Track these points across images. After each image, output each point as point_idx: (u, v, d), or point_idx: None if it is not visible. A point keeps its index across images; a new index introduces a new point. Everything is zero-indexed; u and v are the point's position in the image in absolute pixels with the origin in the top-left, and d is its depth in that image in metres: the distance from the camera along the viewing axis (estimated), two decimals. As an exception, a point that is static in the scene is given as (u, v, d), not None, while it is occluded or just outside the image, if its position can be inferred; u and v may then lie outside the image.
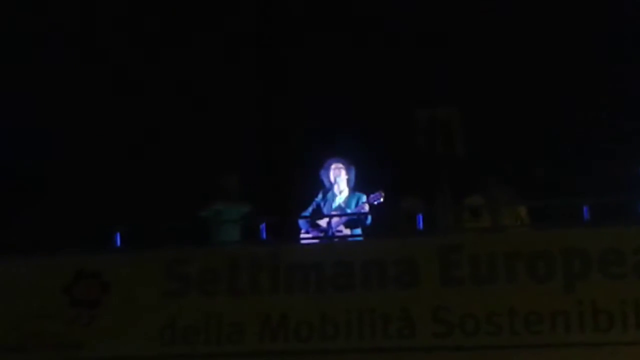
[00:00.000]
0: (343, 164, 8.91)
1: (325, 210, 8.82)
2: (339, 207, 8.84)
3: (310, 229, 8.80)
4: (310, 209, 8.90)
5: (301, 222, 8.83)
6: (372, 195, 8.66)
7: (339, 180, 8.85)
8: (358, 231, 8.70)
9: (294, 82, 11.67)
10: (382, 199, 8.60)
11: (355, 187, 8.91)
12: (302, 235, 8.79)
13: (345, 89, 11.36)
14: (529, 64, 11.55)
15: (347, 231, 8.70)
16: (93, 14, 11.99)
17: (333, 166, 8.90)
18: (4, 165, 11.31)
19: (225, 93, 11.76)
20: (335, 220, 8.69)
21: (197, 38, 11.88)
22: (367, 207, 8.69)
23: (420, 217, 8.21)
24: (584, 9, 11.30)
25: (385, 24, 11.56)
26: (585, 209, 7.71)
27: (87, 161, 11.51)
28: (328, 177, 8.90)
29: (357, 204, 8.77)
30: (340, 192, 8.88)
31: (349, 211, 8.74)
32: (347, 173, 8.88)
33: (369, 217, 8.69)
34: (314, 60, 11.53)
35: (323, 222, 8.78)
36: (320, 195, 8.91)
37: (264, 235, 8.36)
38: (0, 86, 11.52)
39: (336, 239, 8.64)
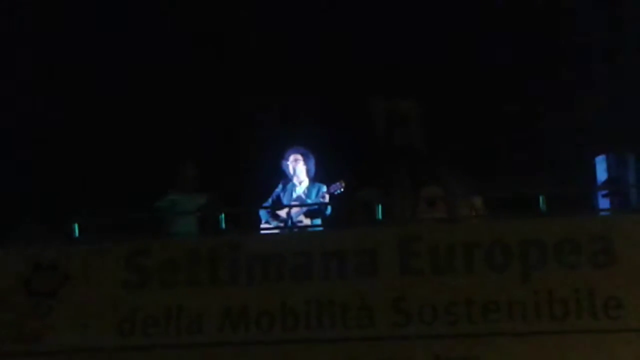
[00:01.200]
0: (302, 153, 8.92)
1: (285, 201, 8.84)
2: (299, 198, 8.86)
3: (270, 220, 8.82)
4: (270, 200, 8.91)
5: (261, 212, 8.83)
6: (332, 185, 8.70)
7: (298, 170, 8.87)
8: (318, 221, 8.73)
9: (255, 68, 11.64)
10: (342, 189, 8.64)
11: (316, 177, 8.93)
12: (262, 226, 8.80)
13: (307, 77, 11.35)
14: (484, 52, 11.64)
15: (308, 221, 8.73)
16: None
17: (292, 157, 8.92)
18: None
19: (184, 78, 11.68)
20: (295, 210, 8.71)
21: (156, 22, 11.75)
22: (327, 197, 8.72)
23: (379, 207, 8.27)
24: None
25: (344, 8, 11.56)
26: (541, 198, 7.82)
27: (43, 151, 11.38)
28: (288, 167, 8.92)
29: (317, 194, 8.80)
30: (300, 183, 8.90)
31: (309, 201, 8.77)
32: (307, 163, 8.90)
33: (329, 208, 8.72)
34: (276, 46, 11.51)
35: (283, 213, 8.80)
36: (280, 186, 8.92)
37: (224, 226, 8.34)
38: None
39: (296, 230, 8.66)
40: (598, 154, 9.14)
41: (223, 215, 8.30)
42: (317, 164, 8.98)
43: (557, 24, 11.45)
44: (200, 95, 11.78)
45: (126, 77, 11.64)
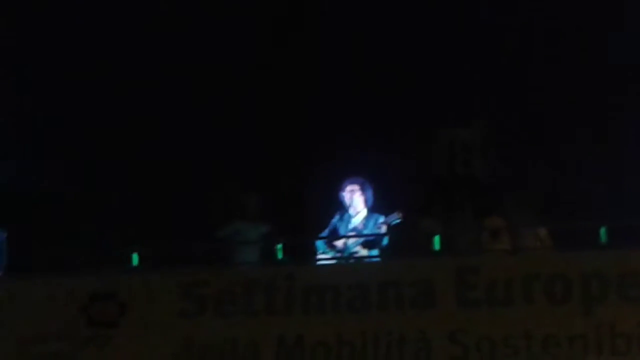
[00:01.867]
0: (359, 184, 8.89)
1: (342, 231, 8.81)
2: (356, 228, 8.83)
3: (327, 250, 8.79)
4: (327, 230, 8.89)
5: (318, 243, 8.82)
6: (389, 216, 8.65)
7: (355, 201, 8.84)
8: (375, 252, 8.68)
9: (314, 101, 11.70)
10: (399, 220, 8.58)
11: (374, 207, 8.89)
12: (318, 257, 8.78)
13: (366, 108, 11.36)
14: (550, 83, 11.50)
15: (364, 252, 8.69)
16: None
17: (349, 187, 8.90)
18: (23, 183, 11.39)
19: (249, 108, 11.79)
20: (351, 241, 8.68)
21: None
22: (384, 228, 8.67)
23: (438, 238, 8.18)
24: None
25: (409, 39, 11.55)
26: (602, 230, 7.64)
27: (104, 179, 11.56)
28: (345, 197, 8.90)
29: (374, 225, 8.75)
30: (357, 213, 8.87)
31: (366, 232, 8.73)
32: (363, 193, 8.86)
33: (386, 238, 8.67)
34: (334, 77, 11.55)
35: (340, 243, 8.77)
36: (337, 216, 8.90)
37: (281, 256, 8.35)
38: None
39: (352, 260, 8.63)
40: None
41: (280, 245, 8.31)
42: (375, 195, 8.94)
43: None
44: (264, 126, 11.87)
45: (192, 108, 11.81)
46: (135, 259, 8.36)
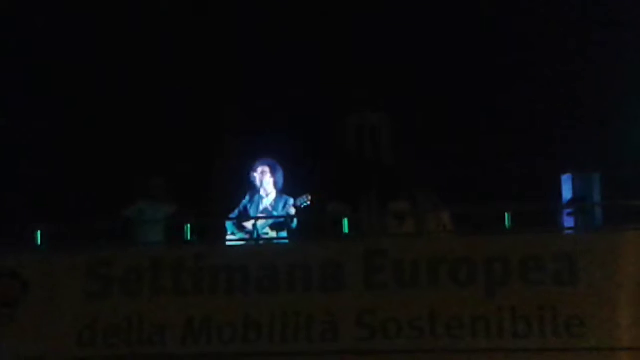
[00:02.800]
0: (270, 165, 8.89)
1: (252, 213, 8.79)
2: (266, 210, 8.82)
3: (236, 231, 8.77)
4: (236, 211, 8.86)
5: (228, 224, 8.78)
6: (298, 198, 8.67)
7: (266, 182, 8.83)
8: (284, 234, 8.70)
9: (222, 80, 11.62)
10: (309, 202, 8.62)
11: (283, 189, 8.90)
12: (228, 237, 8.75)
13: (275, 89, 11.35)
14: (453, 69, 11.70)
15: (273, 234, 8.69)
16: None
17: (260, 168, 8.88)
18: None
19: (153, 91, 11.64)
20: (261, 222, 8.67)
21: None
22: (293, 210, 8.69)
23: (346, 221, 8.25)
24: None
25: (318, 23, 11.59)
26: (506, 215, 7.83)
27: (7, 156, 11.26)
28: (255, 178, 8.88)
29: (284, 207, 8.77)
30: (268, 195, 8.86)
31: (275, 214, 8.73)
32: (274, 175, 8.86)
33: (295, 220, 8.70)
34: (245, 57, 11.50)
35: (249, 224, 8.75)
36: (247, 197, 8.88)
37: (189, 237, 8.28)
38: None
39: (262, 242, 8.62)
40: (564, 173, 9.19)
41: (189, 225, 8.23)
42: (285, 177, 8.95)
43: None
44: (171, 106, 11.75)
45: (102, 86, 11.60)
46: (38, 237, 8.16)
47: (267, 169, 8.85)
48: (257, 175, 8.87)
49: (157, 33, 11.82)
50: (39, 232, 8.16)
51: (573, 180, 9.02)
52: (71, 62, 11.64)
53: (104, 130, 11.41)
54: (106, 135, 11.38)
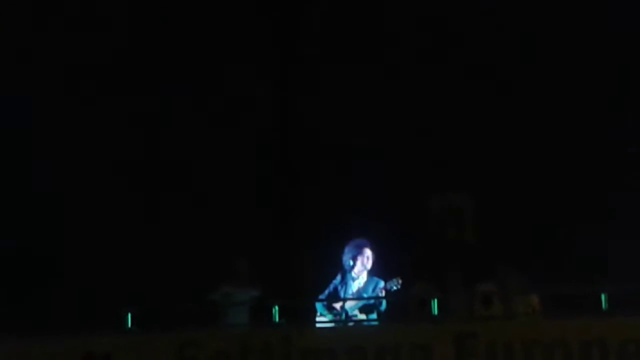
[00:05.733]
0: (368, 247, 8.81)
1: (342, 294, 8.72)
2: (357, 292, 8.75)
3: (325, 312, 8.69)
4: (326, 292, 8.79)
5: (318, 305, 8.71)
6: (389, 281, 8.58)
7: (358, 264, 8.76)
8: (373, 316, 8.60)
9: (303, 162, 11.71)
10: (399, 286, 8.52)
11: (374, 271, 8.82)
12: (317, 319, 8.68)
13: (359, 172, 11.38)
14: (538, 151, 11.59)
15: (363, 316, 8.60)
16: None
17: (365, 251, 8.78)
18: (15, 244, 11.28)
19: (235, 172, 11.78)
20: (351, 304, 8.59)
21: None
22: (383, 293, 8.60)
23: (435, 302, 8.12)
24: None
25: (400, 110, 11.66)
26: (602, 296, 7.62)
27: (98, 241, 11.47)
28: (350, 258, 8.80)
29: (374, 289, 8.68)
30: (359, 276, 8.79)
31: (365, 296, 8.65)
32: (370, 257, 8.79)
33: (384, 303, 8.60)
34: (326, 140, 11.59)
35: (338, 306, 8.67)
36: (338, 278, 8.81)
37: (277, 319, 8.25)
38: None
39: (351, 324, 8.53)
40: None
41: (277, 307, 8.21)
42: (375, 259, 8.87)
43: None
44: (255, 186, 11.86)
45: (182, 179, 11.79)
46: (129, 320, 8.24)
47: (369, 251, 8.75)
48: (359, 256, 8.76)
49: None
50: (129, 315, 8.24)
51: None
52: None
53: (193, 211, 11.56)
54: (195, 218, 11.52)
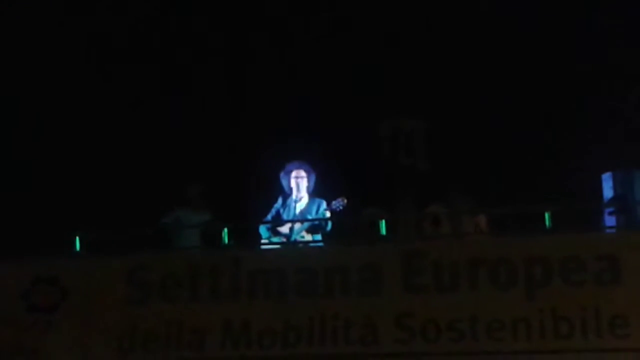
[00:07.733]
0: (305, 170, 8.86)
1: (285, 216, 8.76)
2: (300, 213, 8.79)
3: (271, 236, 8.74)
4: (269, 215, 8.84)
5: (261, 229, 8.75)
6: (334, 202, 8.62)
7: (300, 186, 8.80)
8: (318, 237, 8.66)
9: (255, 86, 11.67)
10: (344, 206, 8.58)
11: (314, 193, 8.87)
12: (263, 242, 8.73)
13: (308, 93, 11.36)
14: (489, 75, 11.65)
15: (309, 237, 8.66)
16: None
17: (294, 173, 8.85)
18: None
19: (186, 100, 11.74)
20: (297, 226, 8.64)
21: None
22: (328, 213, 8.66)
23: (384, 223, 8.20)
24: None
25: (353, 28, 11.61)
26: (546, 215, 7.74)
27: (46, 165, 11.38)
28: (288, 182, 8.85)
29: (317, 210, 8.73)
30: (300, 198, 8.83)
31: (309, 217, 8.70)
32: (309, 179, 8.83)
33: (330, 224, 8.66)
34: (277, 63, 11.54)
35: (284, 229, 8.72)
36: (280, 201, 8.85)
37: (226, 241, 8.28)
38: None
39: (299, 245, 8.59)
40: (604, 172, 9.07)
41: (226, 230, 8.24)
42: (316, 180, 8.92)
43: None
44: (206, 114, 11.82)
45: (137, 97, 11.69)
46: (77, 243, 8.21)
47: (302, 172, 8.82)
48: (292, 179, 8.83)
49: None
50: (77, 239, 8.21)
51: (614, 178, 8.89)
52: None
53: (143, 137, 11.50)
54: (145, 142, 11.47)
